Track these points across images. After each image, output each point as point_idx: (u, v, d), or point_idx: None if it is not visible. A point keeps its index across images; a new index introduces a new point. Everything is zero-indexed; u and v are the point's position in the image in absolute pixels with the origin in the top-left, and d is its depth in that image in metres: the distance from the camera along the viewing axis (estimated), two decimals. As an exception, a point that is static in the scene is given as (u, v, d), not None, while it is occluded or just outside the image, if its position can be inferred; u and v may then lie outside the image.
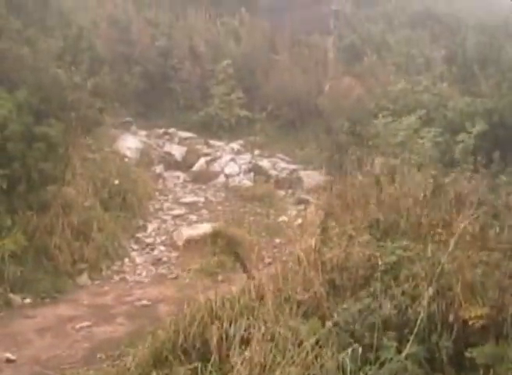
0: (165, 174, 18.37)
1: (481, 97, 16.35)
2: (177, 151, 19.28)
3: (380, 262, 7.81)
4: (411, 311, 7.23)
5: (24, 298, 11.23)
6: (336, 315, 7.40)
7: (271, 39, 23.86)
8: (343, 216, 9.65)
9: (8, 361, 9.07)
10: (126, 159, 17.12)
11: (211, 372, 7.29)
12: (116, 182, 14.73)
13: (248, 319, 7.67)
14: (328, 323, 7.32)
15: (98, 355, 9.33)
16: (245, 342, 7.40)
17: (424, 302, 7.15)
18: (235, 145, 20.20)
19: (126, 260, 13.40)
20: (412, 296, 7.40)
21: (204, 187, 17.94)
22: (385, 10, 32.15)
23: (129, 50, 22.11)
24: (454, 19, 31.19)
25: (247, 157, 19.32)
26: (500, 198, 9.44)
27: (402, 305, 7.32)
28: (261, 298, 8.04)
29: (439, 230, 8.33)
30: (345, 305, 7.44)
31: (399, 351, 6.85)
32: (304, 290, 7.95)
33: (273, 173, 18.60)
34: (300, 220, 14.19)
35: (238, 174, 18.41)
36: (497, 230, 8.30)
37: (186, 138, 20.38)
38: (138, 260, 13.49)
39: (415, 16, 31.33)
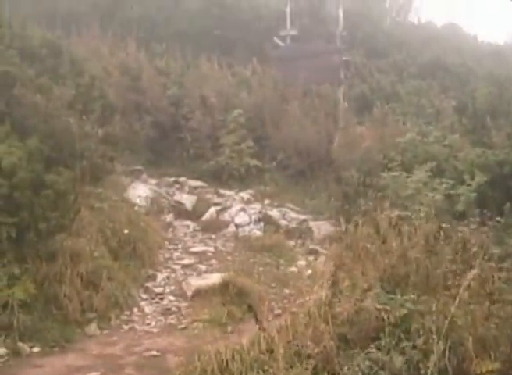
0: (175, 223, 18.35)
1: (492, 148, 16.32)
2: (187, 200, 19.29)
3: (390, 316, 7.73)
4: (422, 366, 7.13)
5: (33, 347, 11.10)
6: (346, 369, 7.30)
7: (282, 89, 24.01)
8: (353, 267, 9.57)
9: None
10: (136, 208, 17.12)
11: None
12: (126, 231, 14.67)
13: (258, 373, 7.58)
14: (339, 379, 7.23)
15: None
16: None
17: (435, 357, 7.05)
18: (245, 195, 20.21)
19: (136, 310, 13.28)
20: (423, 350, 7.30)
21: (213, 236, 17.87)
22: (395, 61, 32.42)
23: (141, 98, 22.31)
24: (464, 69, 31.42)
25: (257, 206, 19.30)
26: (507, 249, 9.39)
27: (413, 360, 7.22)
28: (271, 351, 7.94)
29: (449, 283, 8.27)
30: (355, 361, 7.34)
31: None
32: (314, 343, 7.84)
33: (283, 222, 18.55)
34: (310, 271, 14.14)
35: (248, 224, 18.37)
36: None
37: (196, 187, 20.43)
38: (147, 310, 13.37)
39: (425, 66, 31.57)
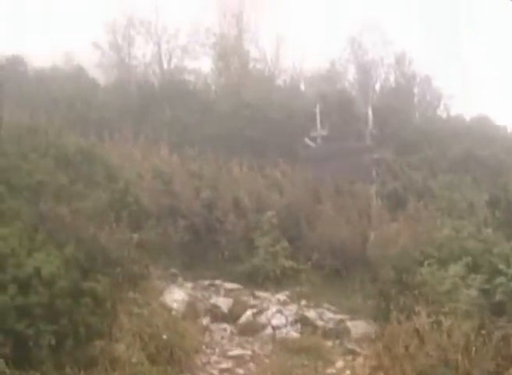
0: (212, 326, 18.28)
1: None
2: (223, 303, 19.25)
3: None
4: None
5: None
6: None
7: (314, 189, 24.21)
8: (391, 368, 9.51)
9: None
10: (173, 312, 17.12)
11: None
12: (164, 337, 14.68)
13: None
14: None
15: None
16: None
17: None
18: (281, 296, 20.14)
19: (174, 415, 13.21)
20: None
21: (251, 339, 17.76)
22: (425, 156, 32.64)
23: (174, 202, 22.60)
24: (495, 160, 31.51)
25: (293, 308, 19.19)
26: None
27: None
28: None
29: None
30: None
31: None
32: None
33: (320, 323, 18.41)
34: (348, 372, 13.98)
35: (285, 326, 18.25)
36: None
37: (232, 290, 20.43)
38: (186, 414, 13.30)
39: (456, 160, 31.75)
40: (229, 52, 47.66)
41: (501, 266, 14.70)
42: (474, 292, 14.11)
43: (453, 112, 51.92)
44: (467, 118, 50.05)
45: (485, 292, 14.31)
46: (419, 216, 22.66)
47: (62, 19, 57.94)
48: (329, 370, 15.46)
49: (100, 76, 48.49)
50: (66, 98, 34.01)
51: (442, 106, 52.28)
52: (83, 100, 34.65)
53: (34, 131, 20.18)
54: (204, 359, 16.16)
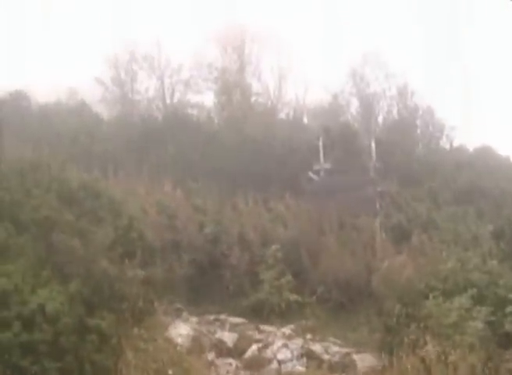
0: (217, 361, 18.18)
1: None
2: (228, 338, 19.19)
3: None
4: None
5: None
6: None
7: (317, 222, 24.21)
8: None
9: None
10: (178, 347, 17.05)
11: None
12: (170, 372, 14.63)
13: None
14: None
15: None
16: None
17: None
18: (286, 330, 20.08)
19: None
20: None
21: (256, 373, 17.67)
22: (429, 188, 32.62)
23: (178, 237, 22.63)
24: (499, 191, 31.48)
25: (298, 342, 19.12)
26: None
27: None
28: None
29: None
30: None
31: None
32: None
33: (326, 357, 18.33)
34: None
35: (291, 360, 18.16)
36: None
37: (237, 324, 20.38)
38: None
39: (460, 191, 31.72)
40: (232, 86, 47.84)
41: (510, 295, 14.66)
42: (479, 324, 14.05)
43: (456, 143, 52.10)
44: (470, 148, 50.19)
45: (490, 324, 14.25)
46: (424, 248, 22.64)
47: (64, 53, 58.19)
48: (335, 405, 15.41)
49: (103, 111, 48.77)
50: (70, 133, 34.15)
51: (444, 137, 52.41)
52: (87, 134, 34.79)
53: (37, 166, 20.24)
54: (210, 394, 16.12)
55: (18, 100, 41.84)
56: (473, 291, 16.06)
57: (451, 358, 10.02)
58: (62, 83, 55.57)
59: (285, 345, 18.75)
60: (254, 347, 18.73)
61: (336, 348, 18.94)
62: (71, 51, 58.00)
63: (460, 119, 51.24)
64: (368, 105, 51.82)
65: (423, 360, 10.18)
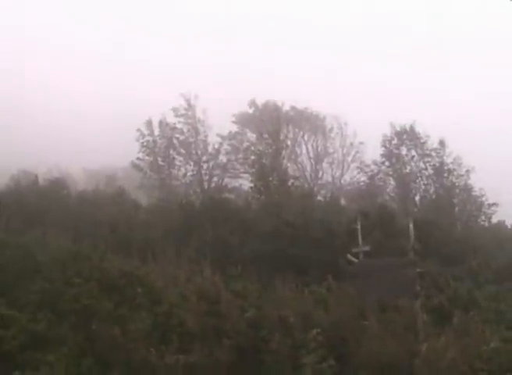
0: None
1: None
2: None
3: None
4: None
5: None
6: None
7: (359, 305, 24.05)
8: None
9: None
10: None
11: None
12: None
13: None
14: None
15: None
16: None
17: None
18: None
19: None
20: None
21: None
22: (470, 267, 32.41)
23: (219, 322, 22.50)
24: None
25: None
26: None
27: None
28: None
29: None
30: None
31: None
32: None
33: None
34: None
35: None
36: None
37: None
38: None
39: (501, 269, 31.50)
40: (268, 171, 48.35)
41: None
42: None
43: (495, 220, 51.86)
44: (509, 225, 49.89)
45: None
46: (466, 328, 22.34)
47: (101, 140, 59.34)
48: None
49: (141, 197, 49.42)
50: (108, 220, 34.60)
51: (483, 215, 52.25)
52: (125, 222, 35.23)
53: (78, 255, 20.54)
54: None
55: (57, 188, 42.64)
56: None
57: None
58: (99, 169, 56.69)
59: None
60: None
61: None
62: (109, 138, 59.09)
63: (498, 194, 51.25)
64: (404, 185, 52.01)
65: None
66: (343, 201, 51.65)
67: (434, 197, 51.42)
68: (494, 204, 51.60)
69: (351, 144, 56.82)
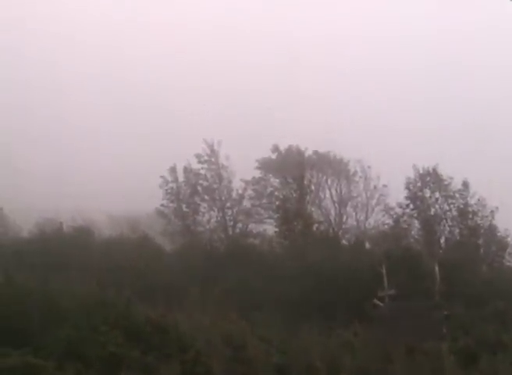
0: None
1: None
2: None
3: None
4: None
5: None
6: None
7: (385, 349, 23.96)
8: None
9: None
10: None
11: None
12: None
13: None
14: None
15: None
16: None
17: None
18: None
19: None
20: None
21: None
22: (496, 308, 32.13)
23: (245, 368, 22.49)
24: None
25: None
26: None
27: None
28: None
29: None
30: None
31: None
32: None
33: None
34: None
35: None
36: None
37: None
38: None
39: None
40: (292, 216, 48.40)
41: None
42: None
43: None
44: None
45: None
46: (494, 371, 22.21)
47: (126, 186, 59.30)
48: None
49: (165, 243, 49.48)
50: (133, 267, 34.71)
51: (508, 255, 51.87)
52: (150, 268, 35.33)
53: (103, 303, 20.65)
54: None
55: (82, 234, 42.91)
56: None
57: None
58: (123, 215, 56.83)
59: None
60: None
61: None
62: (132, 184, 59.29)
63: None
64: (429, 227, 51.77)
65: None
66: (367, 245, 51.44)
67: (459, 238, 51.14)
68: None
69: (375, 187, 56.69)
